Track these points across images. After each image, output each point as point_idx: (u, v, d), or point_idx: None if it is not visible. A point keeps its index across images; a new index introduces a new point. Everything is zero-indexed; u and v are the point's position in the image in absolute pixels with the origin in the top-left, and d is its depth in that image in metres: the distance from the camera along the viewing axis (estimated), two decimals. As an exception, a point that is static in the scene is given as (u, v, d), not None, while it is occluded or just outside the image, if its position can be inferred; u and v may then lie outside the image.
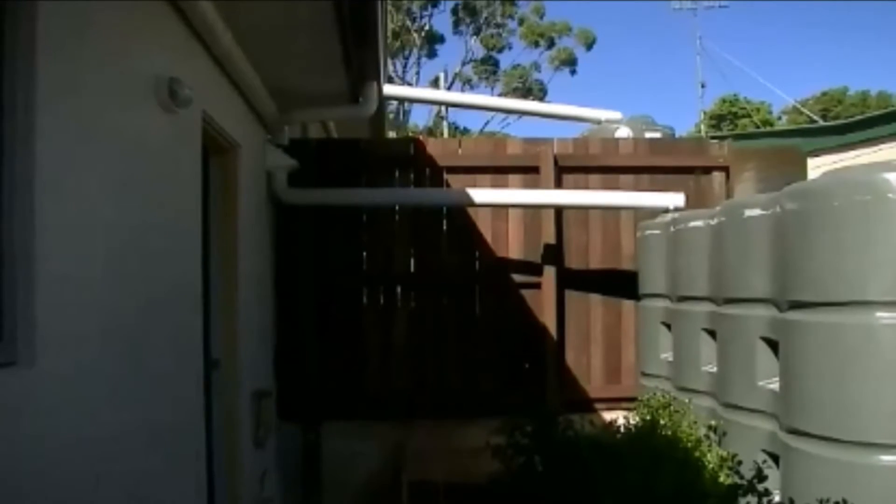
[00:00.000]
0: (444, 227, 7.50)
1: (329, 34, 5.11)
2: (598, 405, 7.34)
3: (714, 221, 5.34)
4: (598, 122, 9.81)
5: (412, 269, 7.47)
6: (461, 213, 7.40)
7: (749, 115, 42.88)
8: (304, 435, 7.02)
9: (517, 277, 7.43)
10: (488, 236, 7.43)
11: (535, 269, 7.39)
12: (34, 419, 2.53)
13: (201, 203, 4.63)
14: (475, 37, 39.56)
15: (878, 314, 3.87)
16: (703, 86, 40.21)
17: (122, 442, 3.26)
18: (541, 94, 39.54)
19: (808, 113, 36.21)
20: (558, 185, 7.40)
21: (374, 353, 7.32)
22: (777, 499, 4.08)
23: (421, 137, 10.15)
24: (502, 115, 35.61)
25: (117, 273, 3.27)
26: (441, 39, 40.05)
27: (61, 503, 2.70)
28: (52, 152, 2.65)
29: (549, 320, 7.32)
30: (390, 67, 33.36)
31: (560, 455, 4.81)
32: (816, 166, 12.98)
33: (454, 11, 39.05)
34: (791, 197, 4.37)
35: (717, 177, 7.53)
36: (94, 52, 3.09)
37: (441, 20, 67.78)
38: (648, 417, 5.45)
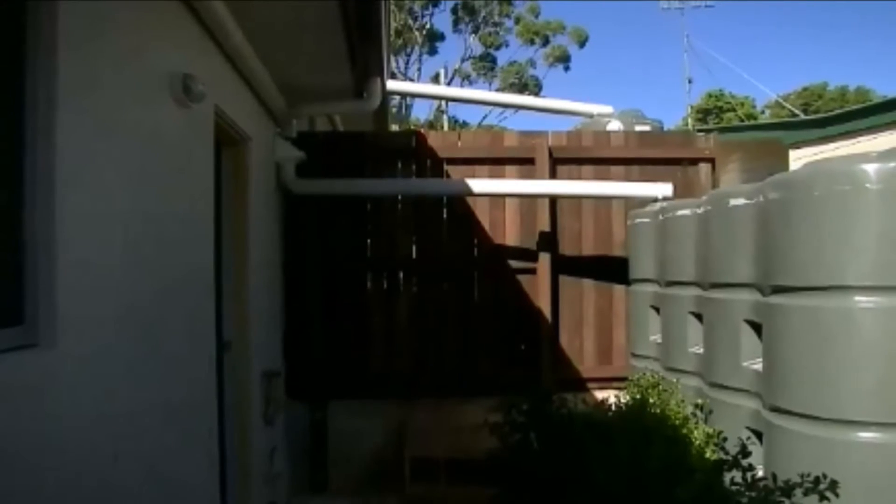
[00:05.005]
0: (445, 216, 7.49)
1: (335, 32, 5.10)
2: (590, 385, 7.36)
3: (700, 210, 5.33)
4: (591, 115, 9.81)
5: (414, 255, 7.47)
6: (460, 202, 7.40)
7: (734, 110, 42.77)
8: (311, 413, 7.04)
9: (514, 263, 7.43)
10: (486, 224, 7.44)
11: (531, 256, 7.39)
12: (55, 398, 2.53)
13: (214, 193, 4.62)
14: (474, 35, 39.51)
15: (857, 298, 3.87)
16: (690, 81, 40.19)
17: (138, 420, 3.27)
18: (536, 89, 39.46)
19: (789, 107, 36.14)
20: (553, 175, 7.39)
21: (377, 336, 7.33)
22: (760, 474, 4.08)
23: (422, 130, 10.12)
24: (500, 110, 35.50)
25: (134, 259, 3.26)
26: (441, 37, 40.09)
27: (81, 478, 2.71)
28: (73, 145, 2.64)
29: (544, 304, 7.33)
30: (393, 64, 33.32)
31: (554, 432, 4.81)
32: (798, 158, 12.95)
33: (454, 10, 39.04)
34: (774, 187, 4.36)
35: (704, 168, 7.53)
36: (113, 50, 3.09)
37: (441, 19, 67.61)
38: (638, 396, 5.45)
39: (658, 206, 6.32)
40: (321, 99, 6.90)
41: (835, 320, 3.96)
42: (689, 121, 38.48)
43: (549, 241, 7.37)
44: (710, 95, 45.83)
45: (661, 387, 5.49)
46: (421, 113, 45.02)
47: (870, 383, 3.83)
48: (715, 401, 4.95)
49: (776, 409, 4.22)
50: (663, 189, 6.77)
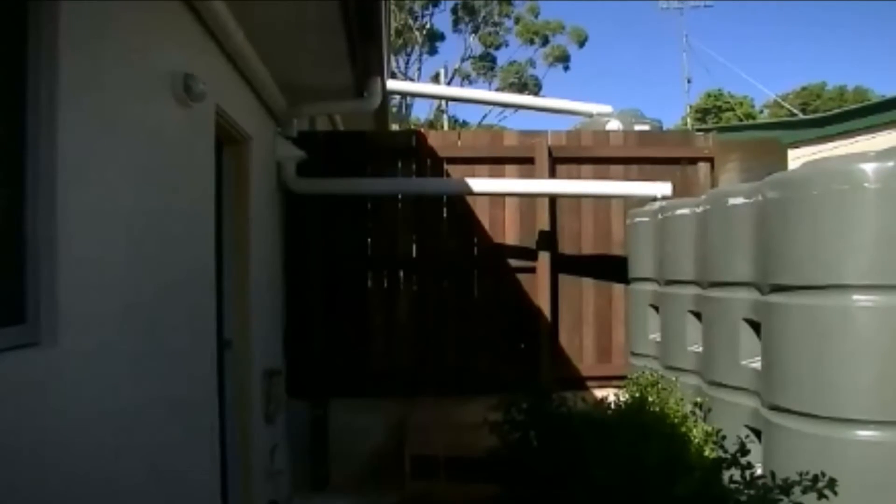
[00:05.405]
0: (445, 215, 7.49)
1: (336, 32, 5.10)
2: (589, 383, 7.36)
3: (699, 209, 5.33)
4: (590, 115, 9.80)
5: (414, 253, 7.46)
6: (460, 201, 7.39)
7: (732, 109, 42.74)
8: (311, 410, 7.04)
9: (513, 262, 7.43)
10: (486, 223, 7.43)
11: (531, 255, 7.39)
12: (57, 395, 2.54)
13: (215, 192, 4.63)
14: (474, 35, 39.47)
15: (854, 297, 3.87)
16: (689, 81, 40.19)
17: (140, 416, 3.27)
18: (536, 88, 39.43)
19: (788, 107, 36.13)
20: (552, 174, 7.39)
21: (378, 333, 7.33)
22: (759, 472, 4.09)
23: (422, 130, 10.14)
24: (499, 109, 35.52)
25: (136, 257, 3.27)
26: (441, 37, 40.04)
27: (84, 473, 2.71)
28: (75, 144, 2.65)
29: (543, 303, 7.33)
30: (393, 63, 33.33)
31: (554, 430, 4.81)
32: (796, 157, 12.94)
33: (454, 10, 38.98)
34: (772, 186, 4.36)
35: (703, 167, 7.53)
36: (114, 50, 3.09)
37: (441, 19, 67.63)
38: (637, 395, 5.45)
39: (657, 205, 6.31)
40: (322, 98, 6.89)
41: (833, 319, 3.96)
42: (688, 120, 38.46)
43: (548, 239, 7.37)
44: (708, 95, 45.82)
45: (660, 385, 5.49)
46: (421, 112, 45.04)
47: (868, 381, 3.83)
48: (714, 399, 4.96)
49: (775, 408, 4.22)
50: (662, 188, 6.78)
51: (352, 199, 7.30)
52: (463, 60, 39.72)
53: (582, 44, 40.15)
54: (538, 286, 7.36)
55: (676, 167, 7.48)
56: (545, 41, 39.64)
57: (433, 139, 7.61)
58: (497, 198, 7.38)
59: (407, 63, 38.78)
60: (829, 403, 3.93)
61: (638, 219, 6.53)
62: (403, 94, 27.19)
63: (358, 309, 7.33)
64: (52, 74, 2.55)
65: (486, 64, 40.15)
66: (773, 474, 3.75)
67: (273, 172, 6.53)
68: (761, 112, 45.92)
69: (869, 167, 3.85)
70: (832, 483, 3.55)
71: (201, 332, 4.34)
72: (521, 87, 38.30)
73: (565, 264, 7.47)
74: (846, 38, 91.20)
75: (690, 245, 5.43)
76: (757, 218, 4.50)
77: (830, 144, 12.53)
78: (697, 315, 5.35)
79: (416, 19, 38.32)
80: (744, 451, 3.99)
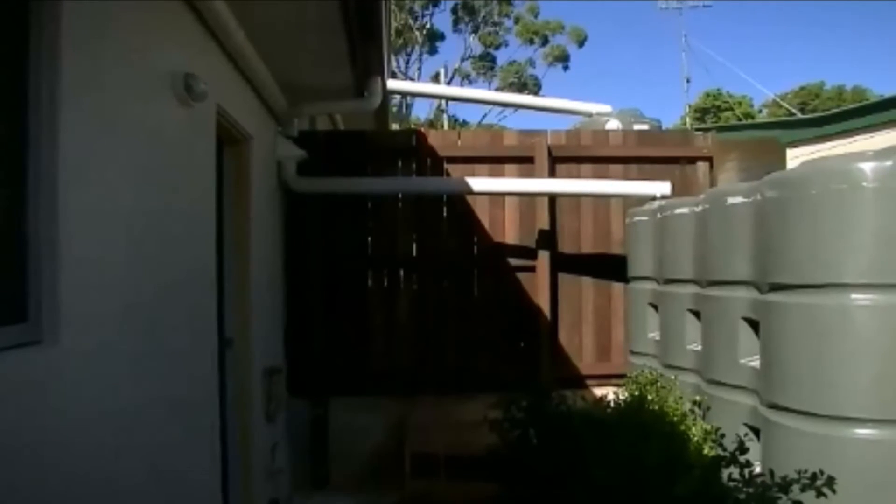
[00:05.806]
0: (445, 214, 7.48)
1: (336, 32, 5.10)
2: (589, 381, 7.36)
3: (699, 208, 5.33)
4: (590, 114, 9.79)
5: (414, 253, 7.45)
6: (460, 200, 7.39)
7: (731, 109, 42.73)
8: (312, 409, 7.03)
9: (513, 261, 7.43)
10: (486, 222, 7.43)
11: (530, 254, 7.39)
12: (58, 394, 2.54)
13: (216, 191, 4.62)
14: (473, 34, 39.45)
15: (853, 296, 3.87)
16: (688, 81, 40.16)
17: (141, 415, 3.27)
18: (535, 88, 39.41)
19: (787, 106, 36.10)
20: (552, 174, 7.39)
21: (378, 332, 7.33)
22: (758, 470, 4.09)
23: (422, 129, 10.11)
24: (499, 109, 35.57)
25: (137, 256, 3.27)
26: (441, 37, 40.03)
27: (84, 473, 2.71)
28: (76, 144, 2.64)
29: (543, 302, 7.33)
30: (393, 63, 33.31)
31: (553, 428, 4.81)
32: (795, 157, 12.96)
33: (454, 10, 38.96)
34: (771, 185, 4.36)
35: (702, 166, 7.53)
36: (115, 50, 3.09)
37: (441, 19, 67.69)
38: (637, 393, 5.45)
39: (656, 204, 6.31)
40: (322, 98, 6.89)
41: (832, 318, 3.96)
42: (688, 120, 38.49)
43: (548, 239, 7.37)
44: (707, 94, 45.82)
45: (659, 384, 5.49)
46: (421, 112, 45.09)
47: (866, 380, 3.83)
48: (713, 397, 4.95)
49: (774, 406, 4.22)
50: (661, 187, 6.77)
51: (352, 199, 7.30)
52: (463, 60, 39.76)
53: (581, 44, 40.14)
54: (538, 285, 7.35)
55: (675, 167, 7.48)
56: (545, 41, 39.62)
57: (433, 139, 7.61)
58: (497, 197, 7.38)
59: (407, 63, 38.81)
60: (828, 402, 3.92)
61: (637, 218, 6.53)
62: (403, 94, 27.18)
63: (358, 308, 7.32)
64: (53, 74, 2.54)
65: (486, 64, 40.14)
66: (771, 472, 3.75)
67: (274, 172, 6.52)
68: (760, 111, 45.93)
69: (867, 166, 3.85)
70: (831, 481, 3.55)
71: (202, 331, 4.34)
72: (521, 87, 38.28)
73: (565, 263, 7.47)
74: (845, 38, 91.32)
75: (689, 244, 5.43)
76: (756, 217, 4.50)
77: (829, 144, 12.53)
78: (696, 314, 5.35)
79: (416, 19, 38.32)
80: (743, 449, 3.99)
